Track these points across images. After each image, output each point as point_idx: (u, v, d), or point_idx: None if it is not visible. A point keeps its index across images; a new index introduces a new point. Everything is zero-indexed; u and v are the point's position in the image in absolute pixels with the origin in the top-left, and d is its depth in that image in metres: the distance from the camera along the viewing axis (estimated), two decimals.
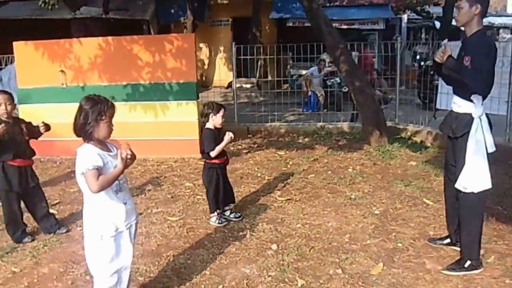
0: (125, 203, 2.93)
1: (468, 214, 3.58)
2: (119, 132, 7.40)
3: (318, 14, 6.92)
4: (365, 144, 7.28)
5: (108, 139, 2.92)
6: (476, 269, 3.53)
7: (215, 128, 4.54)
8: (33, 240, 4.34)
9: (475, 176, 3.42)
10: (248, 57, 8.62)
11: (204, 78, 15.26)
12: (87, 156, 2.77)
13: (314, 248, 4.03)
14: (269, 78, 14.58)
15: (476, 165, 3.41)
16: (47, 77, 7.04)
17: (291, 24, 15.03)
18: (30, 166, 4.35)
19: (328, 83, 11.08)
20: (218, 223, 4.57)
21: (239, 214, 4.73)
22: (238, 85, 14.62)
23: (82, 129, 2.82)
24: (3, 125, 4.05)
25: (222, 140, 4.51)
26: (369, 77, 8.70)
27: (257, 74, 14.29)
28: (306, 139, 7.93)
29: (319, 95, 11.44)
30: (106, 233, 2.86)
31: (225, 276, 3.61)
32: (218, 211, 4.62)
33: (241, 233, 4.36)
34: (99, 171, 2.76)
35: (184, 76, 6.87)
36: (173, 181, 6.00)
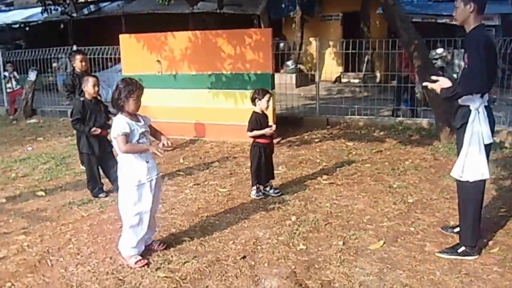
0: (147, 162, 3.72)
1: (464, 202, 3.74)
2: (203, 116, 8.44)
3: (394, 10, 7.07)
4: (436, 140, 7.25)
5: (136, 112, 3.71)
6: (470, 255, 3.66)
7: (262, 111, 5.12)
8: (106, 196, 5.37)
9: (470, 166, 3.58)
10: (356, 51, 8.85)
11: (312, 72, 15.74)
12: (118, 124, 3.60)
13: (330, 224, 4.44)
14: (377, 73, 14.65)
15: (472, 155, 3.56)
16: (146, 65, 8.22)
17: None
18: (106, 136, 5.34)
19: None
20: (256, 196, 5.17)
21: (278, 190, 5.27)
22: (345, 80, 14.95)
23: (116, 103, 3.64)
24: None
25: (267, 124, 5.10)
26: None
27: (364, 69, 14.42)
28: (382, 133, 8.07)
29: (417, 91, 11.26)
30: (131, 183, 3.66)
31: (239, 235, 4.22)
32: (258, 185, 5.21)
33: (271, 206, 4.91)
34: (127, 137, 3.57)
35: (261, 67, 7.54)
36: (238, 162, 6.70)
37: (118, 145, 3.61)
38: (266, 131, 5.06)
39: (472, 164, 3.56)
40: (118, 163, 3.77)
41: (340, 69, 15.25)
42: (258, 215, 4.70)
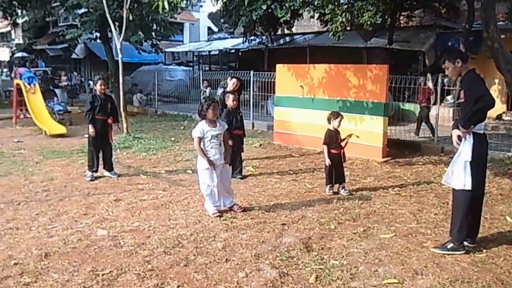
0: (214, 155, 5.54)
1: (455, 206, 4.67)
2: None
3: (499, 52, 7.61)
4: None
5: (214, 119, 5.55)
6: (457, 251, 4.55)
7: (334, 129, 6.58)
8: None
9: (451, 174, 4.56)
10: None
11: None
12: (196, 129, 5.54)
13: (367, 218, 5.64)
14: None
15: (454, 167, 4.54)
16: (292, 89, 10.17)
17: None
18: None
19: None
20: (328, 192, 6.61)
21: (348, 191, 6.60)
22: (508, 118, 14.59)
23: (200, 113, 5.58)
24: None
25: (337, 138, 6.53)
26: None
27: None
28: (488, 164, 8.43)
29: None
30: (201, 167, 5.59)
31: (293, 213, 5.77)
32: (329, 184, 6.64)
33: (334, 200, 6.29)
34: (200, 139, 5.50)
35: (377, 97, 8.80)
36: None
37: (194, 144, 5.59)
38: (345, 138, 6.53)
39: (453, 173, 4.53)
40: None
41: (504, 107, 14.88)
42: (318, 204, 6.15)
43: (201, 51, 25.47)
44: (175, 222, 5.45)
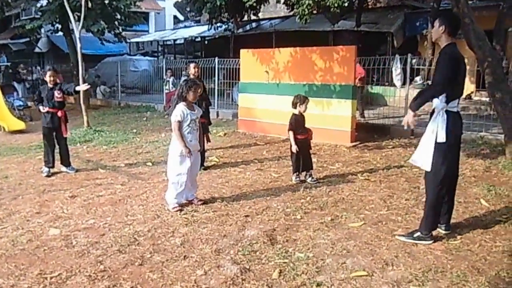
0: (190, 140, 5.22)
1: (426, 190, 4.42)
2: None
3: (470, 28, 7.42)
4: (503, 155, 7.37)
5: (193, 102, 5.26)
6: (424, 240, 4.28)
7: (300, 113, 6.29)
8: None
9: (421, 155, 4.32)
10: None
11: None
12: (176, 111, 5.18)
13: (335, 206, 5.39)
14: None
15: (425, 147, 4.29)
16: (257, 75, 9.83)
17: None
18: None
19: None
20: (295, 180, 6.34)
21: (315, 179, 6.33)
22: (477, 98, 14.62)
23: (180, 95, 5.23)
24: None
25: (303, 123, 6.23)
26: None
27: None
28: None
29: None
30: (175, 153, 5.23)
31: (258, 204, 5.48)
32: (296, 172, 6.36)
33: (300, 188, 6.01)
34: (180, 123, 5.13)
35: (345, 80, 8.55)
36: None
37: (172, 127, 5.21)
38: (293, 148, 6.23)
39: (423, 154, 4.29)
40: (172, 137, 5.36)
41: (473, 87, 14.90)
42: (284, 193, 5.86)
43: (166, 41, 24.85)
44: (132, 218, 5.10)
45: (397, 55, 14.18)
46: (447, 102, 4.15)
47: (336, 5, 12.50)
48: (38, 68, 23.62)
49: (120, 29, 17.13)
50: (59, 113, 6.97)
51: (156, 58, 22.00)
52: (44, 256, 4.17)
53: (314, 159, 7.34)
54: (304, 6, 12.77)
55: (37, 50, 26.12)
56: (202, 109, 6.87)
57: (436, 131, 4.17)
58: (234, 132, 10.45)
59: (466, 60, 10.55)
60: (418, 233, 4.35)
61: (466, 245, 4.23)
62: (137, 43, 27.23)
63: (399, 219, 4.96)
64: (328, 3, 12.54)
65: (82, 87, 7.13)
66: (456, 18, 4.40)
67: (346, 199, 5.64)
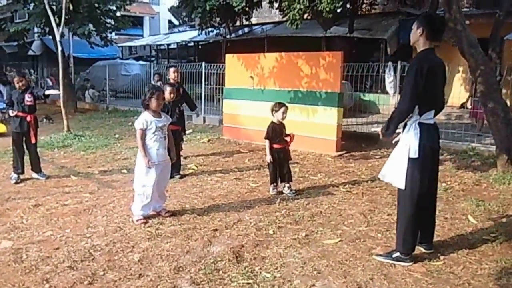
0: (157, 149, 4.89)
1: (399, 208, 4.10)
2: None
3: (462, 35, 7.14)
4: (494, 168, 7.05)
5: (157, 110, 4.93)
6: (403, 261, 3.94)
7: (278, 122, 5.95)
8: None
9: (393, 170, 3.98)
10: None
11: None
12: (139, 120, 4.86)
13: (312, 220, 5.05)
14: (508, 101, 13.72)
15: (397, 162, 3.96)
16: (242, 80, 9.52)
17: None
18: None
19: None
20: (272, 192, 6.00)
21: (293, 191, 5.98)
22: (471, 106, 14.31)
23: (143, 103, 4.93)
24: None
25: (282, 132, 5.90)
26: None
27: None
28: (448, 156, 8.01)
29: None
30: (143, 163, 4.89)
31: (229, 216, 5.14)
32: (273, 183, 6.02)
33: (277, 200, 5.68)
34: (143, 131, 4.82)
35: (331, 87, 8.23)
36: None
37: (137, 136, 4.88)
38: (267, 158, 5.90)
39: (394, 169, 3.96)
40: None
41: (467, 95, 14.63)
42: (259, 205, 5.53)
43: (160, 45, 24.56)
44: (93, 230, 4.76)
45: (390, 62, 13.88)
46: (420, 114, 3.83)
47: (327, 9, 12.25)
48: (31, 70, 23.27)
49: (108, 33, 16.78)
50: (28, 118, 6.64)
51: (148, 63, 21.69)
52: None
53: (295, 169, 7.06)
54: (295, 11, 12.53)
55: (30, 52, 25.77)
56: (176, 115, 6.59)
57: (408, 145, 3.84)
58: (219, 138, 10.12)
59: (461, 68, 10.04)
60: (397, 253, 4.02)
61: (449, 267, 3.89)
62: (130, 47, 26.93)
63: (378, 236, 4.63)
64: (320, 8, 12.28)
65: (51, 91, 6.80)
66: (436, 20, 4.04)
67: (324, 212, 5.30)
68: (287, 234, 4.65)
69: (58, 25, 10.25)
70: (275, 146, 5.94)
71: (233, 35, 19.53)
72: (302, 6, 12.37)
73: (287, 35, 16.14)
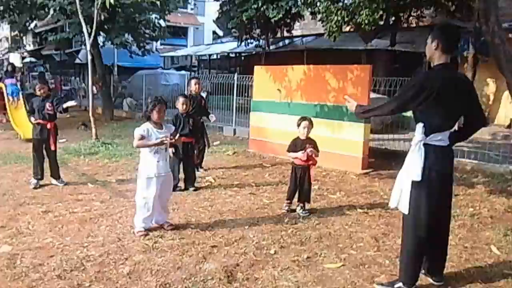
0: (158, 161, 4.81)
1: (403, 235, 3.79)
2: None
3: (500, 49, 6.72)
4: None
5: (158, 121, 4.86)
6: None
7: (303, 136, 5.68)
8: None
9: (397, 193, 3.69)
10: None
11: (487, 114, 14.64)
12: (140, 127, 4.80)
13: (319, 242, 4.77)
14: None
15: (401, 185, 3.67)
16: (270, 93, 9.35)
17: None
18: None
19: None
20: (284, 208, 5.77)
21: (307, 211, 5.69)
22: None
23: (145, 114, 4.89)
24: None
25: (303, 147, 5.64)
26: None
27: None
28: (482, 179, 7.52)
29: None
30: (142, 176, 4.83)
31: (233, 233, 4.96)
32: (288, 200, 5.79)
33: (287, 219, 5.45)
34: (143, 137, 4.75)
35: (358, 101, 7.83)
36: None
37: (134, 141, 4.82)
38: (297, 154, 5.61)
39: (398, 192, 3.66)
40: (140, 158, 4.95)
41: None
42: (266, 222, 5.33)
43: (201, 56, 24.83)
44: (92, 239, 4.71)
45: None
46: (426, 134, 3.51)
47: (366, 22, 11.93)
48: (78, 78, 24.09)
49: (147, 43, 17.05)
50: (48, 125, 6.74)
51: (188, 73, 21.96)
52: None
53: (315, 186, 6.79)
54: (333, 22, 12.31)
55: (77, 61, 26.71)
56: (189, 127, 6.50)
57: (409, 166, 3.55)
58: (245, 151, 9.97)
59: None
60: (400, 284, 3.71)
61: None
62: (172, 57, 27.39)
63: (386, 263, 4.32)
64: (359, 20, 11.98)
65: (70, 103, 6.89)
66: (452, 31, 3.70)
67: (333, 234, 5.03)
68: (288, 255, 4.43)
69: (89, 34, 10.43)
70: (296, 162, 5.71)
71: (273, 46, 19.46)
72: (339, 18, 12.14)
73: (325, 47, 15.89)
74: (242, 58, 24.08)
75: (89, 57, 10.66)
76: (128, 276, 3.89)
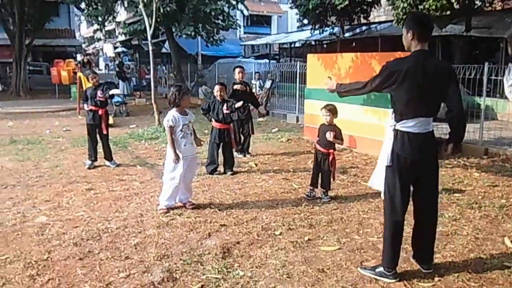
0: (185, 145, 5.21)
1: (384, 220, 3.83)
2: (355, 129, 9.05)
3: None
4: None
5: (186, 107, 5.31)
6: (386, 277, 3.69)
7: (327, 123, 5.86)
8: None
9: (377, 177, 3.75)
10: None
11: None
12: (168, 117, 5.23)
13: (328, 226, 4.86)
14: None
15: (380, 168, 3.72)
16: (321, 80, 9.33)
17: None
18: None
19: None
20: (306, 194, 5.90)
21: (328, 198, 5.75)
22: None
23: (173, 101, 5.28)
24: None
25: (324, 134, 5.75)
26: None
27: None
28: None
29: None
30: (170, 158, 5.24)
31: (247, 214, 5.24)
32: (311, 187, 5.91)
33: (305, 203, 5.60)
34: (172, 128, 5.18)
35: None
36: (350, 172, 7.21)
37: (166, 131, 5.28)
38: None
39: (378, 175, 3.71)
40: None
41: None
42: (285, 206, 5.53)
43: (283, 44, 25.04)
44: (118, 214, 5.24)
45: (510, 64, 12.47)
46: (397, 120, 3.51)
47: (434, 7, 11.46)
48: (163, 67, 25.42)
49: (214, 32, 17.52)
50: (100, 111, 7.41)
51: (266, 61, 22.30)
52: (11, 240, 4.49)
53: (352, 173, 6.85)
54: (399, 9, 11.98)
55: (163, 50, 28.18)
56: (220, 114, 6.83)
57: (384, 151, 3.56)
58: (299, 139, 10.12)
59: None
60: (381, 268, 3.75)
61: None
62: (252, 46, 27.89)
63: (380, 248, 4.29)
64: (426, 6, 11.54)
65: (114, 91, 7.55)
66: (424, 18, 3.67)
67: (344, 219, 5.09)
68: (292, 236, 4.60)
69: (150, 26, 11.10)
70: (318, 148, 5.83)
71: (350, 33, 19.17)
72: (405, 5, 11.78)
73: (398, 34, 15.34)
74: (324, 45, 23.90)
75: (150, 48, 11.32)
76: (134, 247, 4.32)
